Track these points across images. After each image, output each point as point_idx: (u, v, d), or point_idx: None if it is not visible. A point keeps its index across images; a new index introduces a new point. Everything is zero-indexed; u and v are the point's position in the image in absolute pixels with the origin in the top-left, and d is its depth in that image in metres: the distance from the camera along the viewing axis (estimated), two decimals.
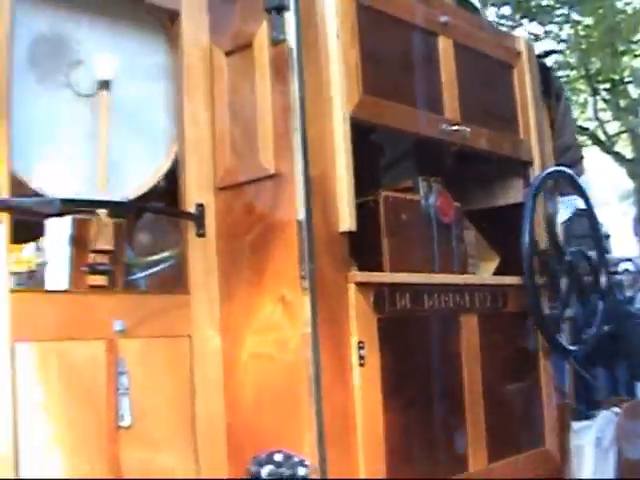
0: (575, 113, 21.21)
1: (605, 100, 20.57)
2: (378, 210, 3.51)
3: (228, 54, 3.41)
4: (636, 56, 18.90)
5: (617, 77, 19.38)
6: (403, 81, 3.70)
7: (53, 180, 3.02)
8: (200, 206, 3.32)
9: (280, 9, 3.19)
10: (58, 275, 3.00)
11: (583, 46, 18.11)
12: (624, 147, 21.65)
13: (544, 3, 17.84)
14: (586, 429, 4.70)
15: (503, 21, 16.05)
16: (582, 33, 18.35)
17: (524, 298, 4.02)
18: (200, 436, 3.20)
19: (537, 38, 16.65)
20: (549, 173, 4.33)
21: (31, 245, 3.83)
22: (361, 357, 3.17)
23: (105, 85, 3.12)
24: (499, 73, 4.37)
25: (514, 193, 4.41)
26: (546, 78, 5.15)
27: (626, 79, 19.47)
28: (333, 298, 3.14)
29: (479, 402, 3.76)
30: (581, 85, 20.08)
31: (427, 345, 3.58)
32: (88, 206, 3.04)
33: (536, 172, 4.38)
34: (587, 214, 4.53)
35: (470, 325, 3.77)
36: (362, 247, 3.35)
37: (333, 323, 3.13)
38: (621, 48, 18.18)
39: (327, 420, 3.04)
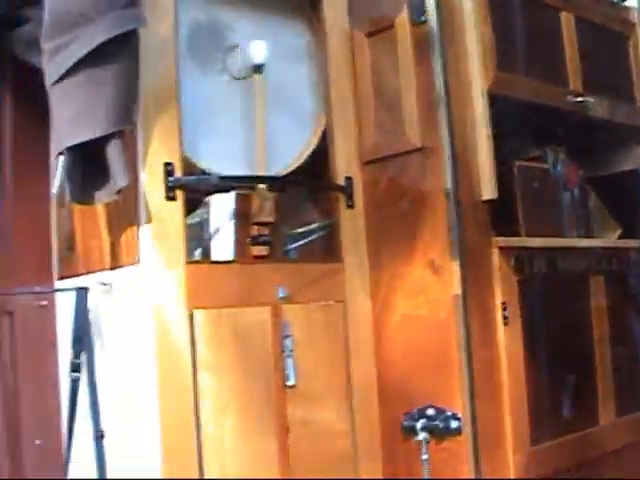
0: None
1: None
2: (513, 178, 3.62)
3: (369, 35, 3.54)
4: None
5: None
6: (531, 56, 3.81)
7: (217, 159, 3.19)
8: (349, 179, 3.47)
9: None
10: (224, 247, 3.18)
11: None
12: None
13: None
14: None
15: None
16: None
17: None
18: (355, 393, 3.37)
19: None
20: None
21: None
22: (505, 317, 3.31)
23: (258, 69, 3.26)
24: (616, 44, 4.45)
25: (632, 159, 4.46)
26: None
27: None
28: (478, 262, 3.29)
29: (607, 358, 3.88)
30: None
31: (561, 305, 3.70)
32: (248, 182, 3.21)
33: None
34: None
35: (598, 286, 3.90)
36: (498, 214, 3.47)
37: (479, 285, 3.28)
38: None
39: (478, 374, 3.18)
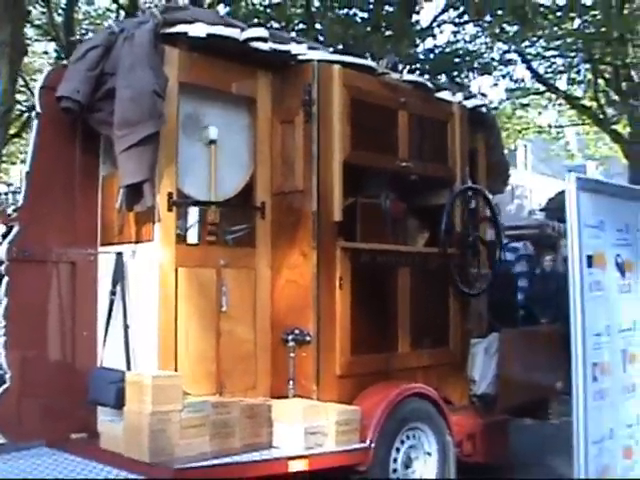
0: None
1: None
2: (356, 209, 7.11)
3: (282, 123, 6.98)
4: None
5: None
6: (376, 138, 7.27)
7: (194, 189, 6.60)
8: (263, 203, 6.91)
9: (310, 105, 6.74)
10: (194, 236, 6.61)
11: None
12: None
13: None
14: (479, 343, 8.23)
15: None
16: None
17: (440, 260, 7.62)
18: (257, 319, 6.82)
19: None
20: (464, 189, 7.91)
21: None
22: (341, 285, 6.78)
23: (213, 142, 6.68)
24: (438, 127, 7.93)
25: (444, 197, 7.93)
26: (482, 117, 8.69)
27: None
28: (328, 254, 6.74)
29: (407, 316, 7.35)
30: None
31: (379, 280, 7.22)
32: (207, 204, 6.63)
33: (457, 186, 7.92)
34: (490, 216, 8.15)
35: (404, 273, 7.39)
36: (348, 229, 6.93)
37: (328, 266, 6.73)
38: None
39: (322, 313, 6.65)
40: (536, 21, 19.23)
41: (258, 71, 6.99)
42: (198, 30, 6.43)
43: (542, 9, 19.67)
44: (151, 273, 6.32)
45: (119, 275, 6.47)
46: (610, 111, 24.86)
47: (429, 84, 7.93)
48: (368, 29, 17.52)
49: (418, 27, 19.43)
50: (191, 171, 6.63)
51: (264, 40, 6.74)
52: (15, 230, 6.37)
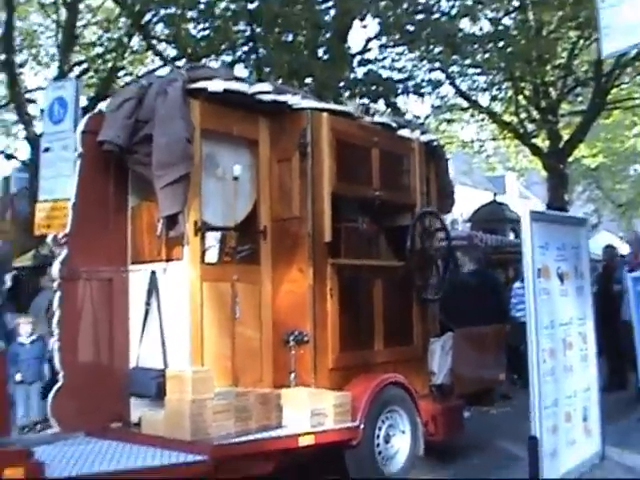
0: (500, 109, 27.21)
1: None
2: (340, 232, 8.78)
3: (279, 162, 8.62)
4: None
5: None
6: (355, 172, 8.94)
7: (214, 218, 8.21)
8: (265, 227, 8.55)
9: (305, 146, 8.40)
10: (213, 256, 8.22)
11: None
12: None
13: None
14: (436, 341, 9.92)
15: None
16: None
17: (405, 272, 9.33)
18: (262, 322, 8.45)
19: None
20: (423, 212, 9.67)
21: None
22: (331, 294, 8.43)
23: (236, 178, 8.29)
24: (403, 160, 9.64)
25: (407, 219, 9.65)
26: (434, 149, 10.42)
27: None
28: (321, 270, 8.39)
29: (381, 319, 9.05)
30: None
31: (359, 290, 8.90)
32: (226, 229, 8.25)
33: (417, 209, 9.66)
34: (444, 234, 9.91)
35: (378, 283, 9.07)
36: (335, 248, 8.59)
37: (321, 280, 8.37)
38: None
39: (317, 318, 8.29)
40: (464, 47, 20.99)
41: (259, 117, 8.63)
42: (216, 86, 8.03)
43: (471, 37, 21.34)
44: (182, 287, 7.89)
45: (153, 289, 8.04)
46: (530, 126, 26.88)
47: (393, 124, 9.65)
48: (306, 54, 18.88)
49: (351, 52, 20.92)
50: (209, 202, 8.20)
51: (268, 93, 8.37)
52: (64, 253, 7.89)
